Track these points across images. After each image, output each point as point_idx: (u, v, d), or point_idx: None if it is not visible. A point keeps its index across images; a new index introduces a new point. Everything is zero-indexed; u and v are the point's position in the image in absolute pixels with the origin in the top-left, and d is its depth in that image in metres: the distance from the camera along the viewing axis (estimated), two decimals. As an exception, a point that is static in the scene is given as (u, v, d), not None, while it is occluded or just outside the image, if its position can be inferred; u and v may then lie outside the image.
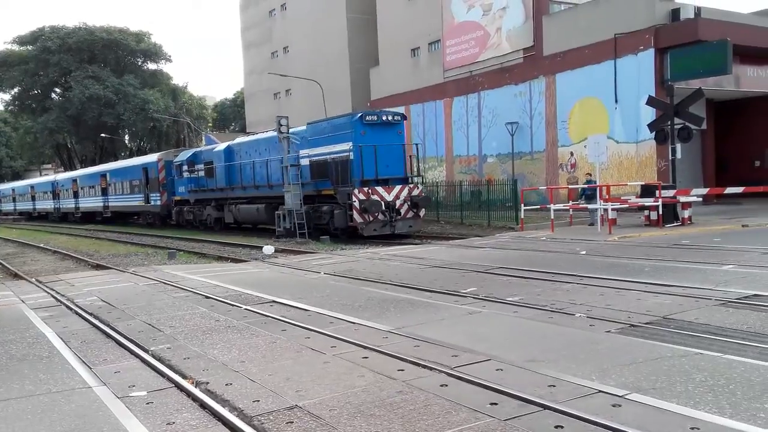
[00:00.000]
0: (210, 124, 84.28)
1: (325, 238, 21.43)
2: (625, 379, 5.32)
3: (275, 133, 24.28)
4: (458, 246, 16.95)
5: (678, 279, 9.92)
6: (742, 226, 17.89)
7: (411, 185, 21.93)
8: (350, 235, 21.57)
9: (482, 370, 5.73)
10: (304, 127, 23.82)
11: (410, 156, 23.05)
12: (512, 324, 7.65)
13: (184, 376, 6.04)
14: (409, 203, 21.50)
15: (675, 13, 26.21)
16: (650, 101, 21.89)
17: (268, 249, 18.95)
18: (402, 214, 21.38)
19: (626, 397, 4.88)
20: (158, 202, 35.81)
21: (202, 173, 31.03)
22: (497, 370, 5.72)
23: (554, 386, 5.20)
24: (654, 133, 21.23)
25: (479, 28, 34.37)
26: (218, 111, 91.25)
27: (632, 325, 7.20)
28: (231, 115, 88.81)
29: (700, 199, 21.10)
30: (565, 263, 12.56)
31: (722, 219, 20.02)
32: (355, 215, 20.61)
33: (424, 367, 5.91)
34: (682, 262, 11.87)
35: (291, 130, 23.36)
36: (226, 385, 5.70)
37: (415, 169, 22.85)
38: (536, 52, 31.10)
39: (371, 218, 20.66)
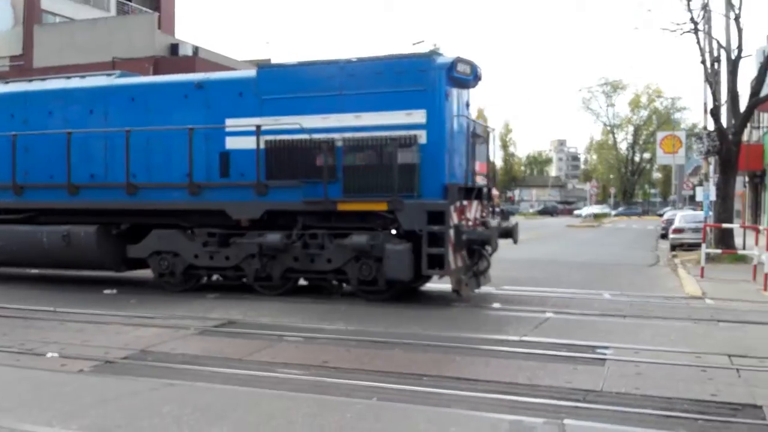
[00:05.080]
0: None
1: None
2: (90, 420, 4.95)
3: (128, 79, 13.04)
4: None
5: (162, 310, 9.95)
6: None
7: (482, 201, 12.03)
8: (406, 292, 11.43)
9: None
10: (252, 73, 11.99)
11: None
12: (-37, 373, 6.43)
13: None
14: None
15: (174, 47, 27.26)
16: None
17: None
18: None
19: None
20: None
21: None
22: (-71, 434, 4.64)
23: (4, 443, 4.45)
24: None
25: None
26: None
27: (108, 362, 6.85)
28: None
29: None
30: (46, 297, 11.40)
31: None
32: (450, 256, 10.40)
33: None
34: (169, 294, 11.97)
35: (212, 77, 12.18)
36: None
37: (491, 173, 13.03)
38: (26, 63, 28.35)
39: (461, 263, 10.91)
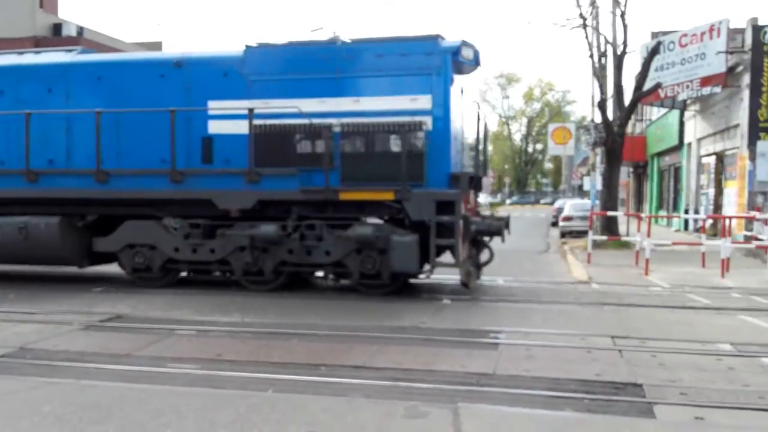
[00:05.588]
0: None
1: None
2: (-40, 427, 4.56)
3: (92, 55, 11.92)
4: None
5: (44, 304, 9.38)
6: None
7: (475, 191, 11.67)
8: (404, 287, 10.91)
9: None
10: (239, 53, 10.67)
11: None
12: None
13: None
14: None
15: (57, 27, 25.71)
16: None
17: None
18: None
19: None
20: None
21: None
22: None
23: None
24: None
25: None
26: None
27: (-18, 361, 6.36)
28: None
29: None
30: None
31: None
32: (461, 248, 10.03)
33: None
34: (51, 288, 11.33)
35: (193, 55, 11.12)
36: None
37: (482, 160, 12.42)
38: None
39: (466, 254, 10.48)
